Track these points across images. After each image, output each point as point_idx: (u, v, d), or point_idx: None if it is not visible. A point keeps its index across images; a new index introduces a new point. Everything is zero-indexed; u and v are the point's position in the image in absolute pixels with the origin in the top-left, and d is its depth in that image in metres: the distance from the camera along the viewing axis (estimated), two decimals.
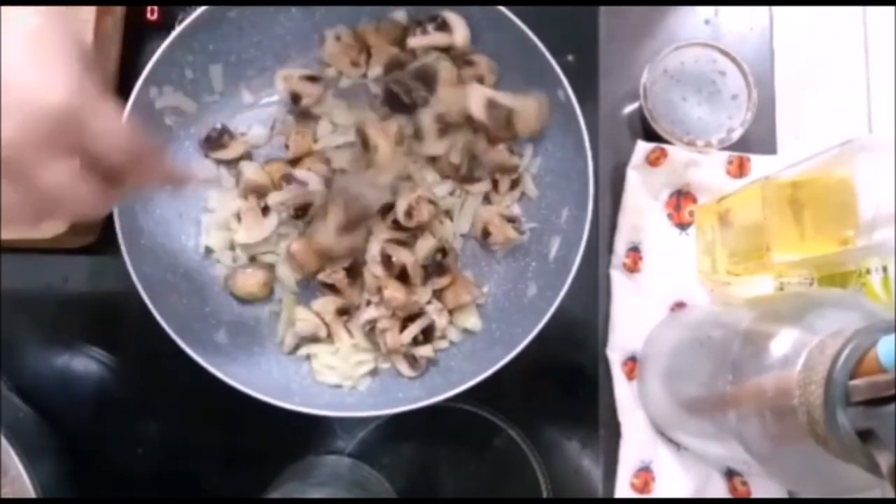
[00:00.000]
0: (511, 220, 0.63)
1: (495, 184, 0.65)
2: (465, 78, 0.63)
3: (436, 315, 0.62)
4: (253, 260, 0.64)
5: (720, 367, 0.49)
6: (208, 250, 0.64)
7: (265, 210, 0.63)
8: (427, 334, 0.62)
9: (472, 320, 0.64)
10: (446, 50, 0.63)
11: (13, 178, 0.39)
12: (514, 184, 0.65)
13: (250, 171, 0.63)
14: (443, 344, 0.64)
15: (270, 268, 0.64)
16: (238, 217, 0.63)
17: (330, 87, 0.66)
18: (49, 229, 0.59)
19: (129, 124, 0.42)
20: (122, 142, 0.41)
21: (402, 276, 0.61)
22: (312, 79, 0.64)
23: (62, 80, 0.39)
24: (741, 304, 0.58)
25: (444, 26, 0.62)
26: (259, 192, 0.63)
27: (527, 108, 0.61)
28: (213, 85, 0.63)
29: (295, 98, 0.64)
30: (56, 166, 0.39)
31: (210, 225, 0.64)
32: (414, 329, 0.61)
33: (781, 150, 0.70)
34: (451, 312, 0.64)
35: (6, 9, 0.39)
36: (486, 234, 0.63)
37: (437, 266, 0.63)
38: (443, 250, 0.63)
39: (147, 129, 0.60)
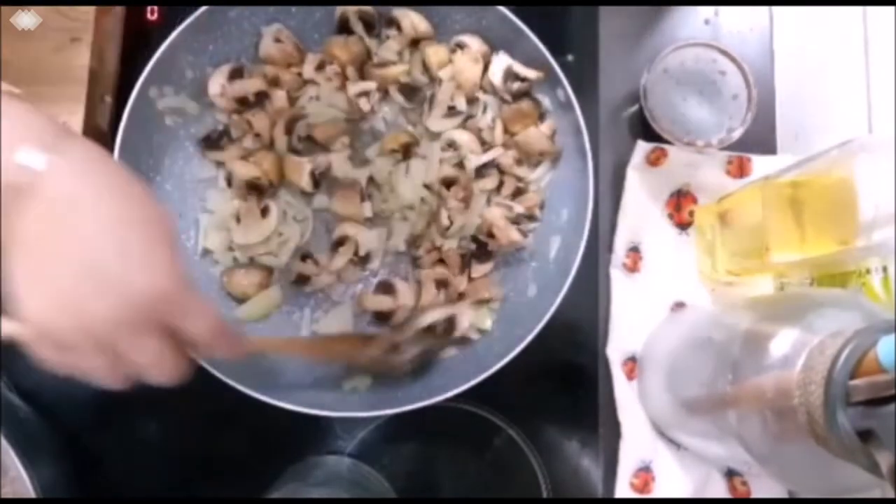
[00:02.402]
0: (515, 221, 0.63)
1: (500, 186, 0.65)
2: (459, 60, 0.63)
3: (458, 310, 0.62)
4: (252, 261, 0.64)
5: (720, 367, 0.49)
6: (206, 251, 0.64)
7: (264, 211, 0.63)
8: (448, 329, 0.61)
9: (487, 321, 0.64)
10: (416, 43, 0.65)
11: (105, 352, 0.41)
12: (519, 192, 0.65)
13: (240, 167, 0.63)
14: (450, 353, 0.63)
15: (268, 270, 0.64)
16: (237, 218, 0.63)
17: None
18: None
19: (212, 308, 0.44)
20: (210, 326, 0.44)
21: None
22: (238, 73, 0.63)
23: (161, 268, 0.41)
24: (741, 304, 0.58)
25: (392, 23, 0.64)
26: (257, 188, 0.63)
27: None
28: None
29: (241, 101, 0.63)
30: (146, 344, 0.41)
31: (209, 226, 0.64)
32: (437, 314, 0.61)
33: (781, 150, 0.70)
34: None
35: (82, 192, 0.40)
36: (489, 235, 0.63)
37: (479, 249, 0.63)
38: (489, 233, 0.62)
39: (147, 129, 0.61)
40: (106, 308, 0.39)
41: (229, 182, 0.64)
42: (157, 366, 0.43)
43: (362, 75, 0.65)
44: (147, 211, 0.42)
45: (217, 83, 0.62)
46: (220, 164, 0.65)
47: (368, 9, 0.64)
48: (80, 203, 0.40)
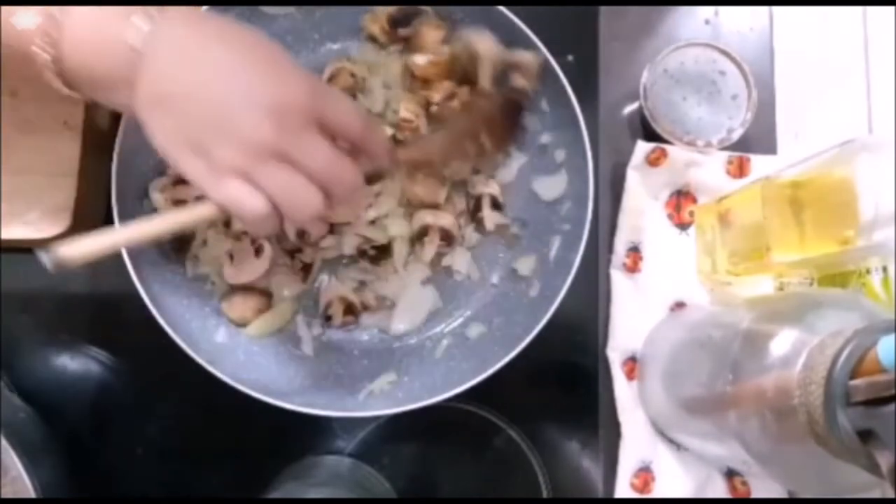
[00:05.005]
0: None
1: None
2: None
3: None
4: (251, 287, 0.63)
5: (720, 367, 0.49)
6: (204, 277, 0.63)
7: (258, 251, 0.62)
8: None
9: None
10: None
11: (283, 164, 0.43)
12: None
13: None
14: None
15: (268, 294, 0.63)
16: (230, 256, 0.62)
17: None
18: (51, 229, 0.59)
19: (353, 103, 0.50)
20: (356, 114, 0.48)
21: None
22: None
23: (297, 77, 0.45)
24: (741, 304, 0.58)
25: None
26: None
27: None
28: None
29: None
30: (316, 142, 0.45)
31: (204, 257, 0.62)
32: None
33: (781, 150, 0.70)
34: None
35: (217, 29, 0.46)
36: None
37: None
38: None
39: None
40: (257, 122, 0.42)
41: (226, 223, 0.62)
42: (336, 165, 0.45)
43: None
44: (253, 39, 0.46)
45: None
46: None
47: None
48: (189, 52, 0.44)
